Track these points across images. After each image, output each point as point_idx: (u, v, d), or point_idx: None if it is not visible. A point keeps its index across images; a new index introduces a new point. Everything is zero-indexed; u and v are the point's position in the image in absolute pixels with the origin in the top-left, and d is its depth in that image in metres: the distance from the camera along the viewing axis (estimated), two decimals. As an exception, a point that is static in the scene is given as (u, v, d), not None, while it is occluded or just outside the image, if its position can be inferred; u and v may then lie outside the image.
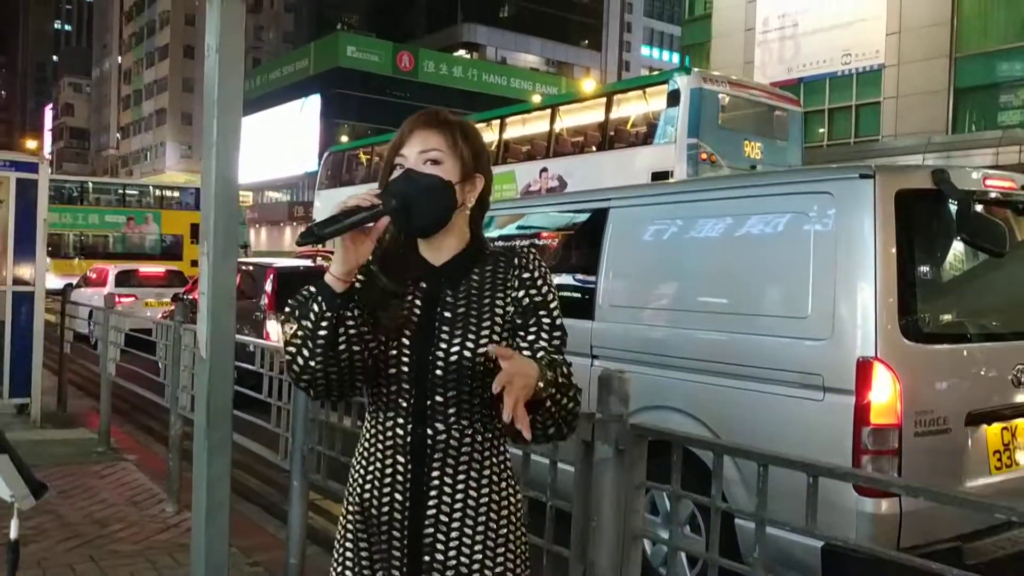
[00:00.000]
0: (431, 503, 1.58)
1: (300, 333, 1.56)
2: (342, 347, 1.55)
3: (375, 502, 1.62)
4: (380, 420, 1.63)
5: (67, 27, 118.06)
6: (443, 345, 1.58)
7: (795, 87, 22.22)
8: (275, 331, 9.10)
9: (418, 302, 1.64)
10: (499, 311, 1.62)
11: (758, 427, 3.69)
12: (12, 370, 7.25)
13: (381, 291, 1.63)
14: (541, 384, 1.47)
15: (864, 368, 3.37)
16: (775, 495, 2.09)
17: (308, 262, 14.01)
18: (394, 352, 1.61)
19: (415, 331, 1.61)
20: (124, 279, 15.38)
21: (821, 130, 23.59)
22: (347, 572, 1.67)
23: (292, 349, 1.58)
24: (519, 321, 1.63)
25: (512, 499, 1.66)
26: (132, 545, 4.47)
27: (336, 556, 1.70)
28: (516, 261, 1.67)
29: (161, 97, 71.05)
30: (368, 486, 1.64)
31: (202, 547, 3.40)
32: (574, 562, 2.26)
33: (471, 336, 1.59)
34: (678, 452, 2.02)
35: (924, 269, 3.71)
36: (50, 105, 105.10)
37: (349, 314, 1.55)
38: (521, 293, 1.64)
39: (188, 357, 5.15)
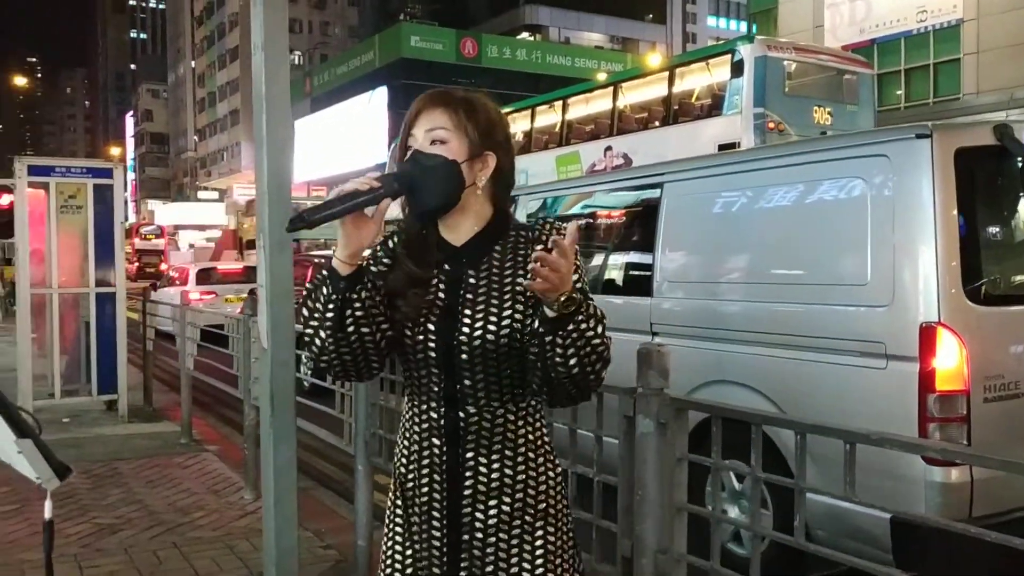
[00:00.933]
0: (467, 482, 1.61)
1: (315, 316, 1.60)
2: (350, 328, 1.58)
3: (415, 483, 1.66)
4: (416, 404, 1.66)
5: (142, 35, 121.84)
6: (465, 328, 1.58)
7: (868, 49, 21.50)
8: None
9: (442, 285, 1.64)
10: (520, 289, 1.59)
11: (820, 398, 3.62)
12: (100, 368, 7.57)
13: (407, 275, 1.64)
14: (569, 296, 1.44)
15: (927, 334, 3.28)
16: (837, 466, 2.03)
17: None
18: (420, 337, 1.61)
19: (439, 315, 1.61)
20: (204, 277, 15.87)
21: (898, 92, 22.78)
22: (395, 549, 1.71)
23: (309, 331, 1.62)
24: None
25: (550, 474, 1.66)
26: (212, 532, 4.64)
27: (386, 535, 1.74)
28: (534, 235, 1.64)
29: (234, 98, 72.71)
30: (409, 468, 1.67)
31: (272, 533, 3.51)
32: (622, 537, 2.27)
33: (492, 317, 1.58)
34: (717, 424, 2.00)
35: (989, 229, 3.58)
36: (130, 112, 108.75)
37: (355, 296, 1.57)
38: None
39: (257, 348, 5.30)
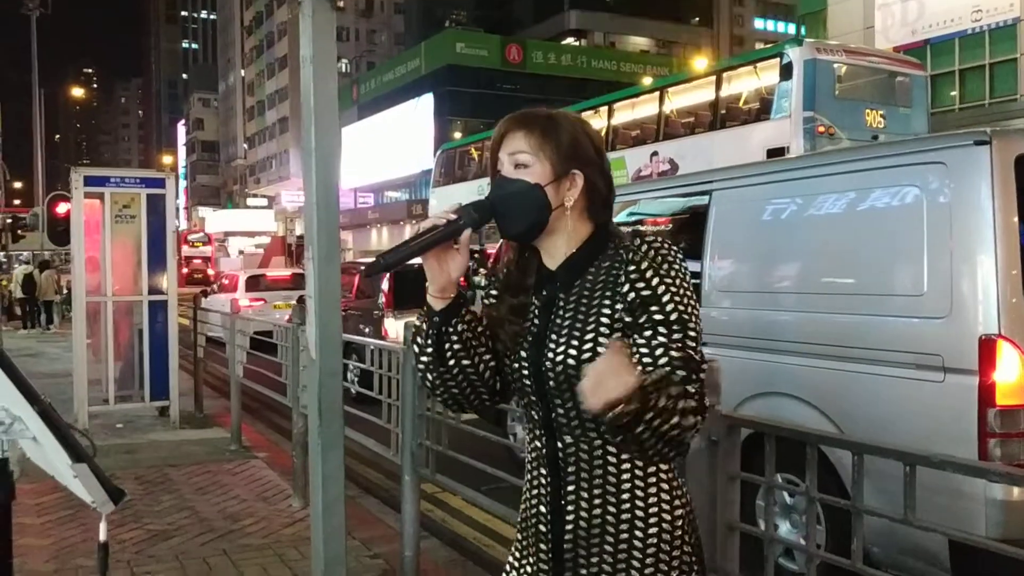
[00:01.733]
0: (569, 516, 1.55)
1: (422, 352, 1.61)
2: (451, 363, 1.59)
3: (527, 513, 1.63)
4: (528, 432, 1.65)
5: (194, 45, 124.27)
6: (550, 353, 1.53)
7: (921, 50, 21.08)
8: (393, 329, 9.33)
9: (536, 311, 1.61)
10: (607, 312, 1.51)
11: (874, 411, 3.54)
12: (152, 375, 7.71)
13: (507, 306, 1.63)
14: (626, 404, 1.30)
15: (987, 346, 3.19)
16: (898, 482, 1.97)
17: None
18: (516, 365, 1.60)
19: (531, 341, 1.58)
20: (253, 284, 16.10)
21: (952, 93, 22.29)
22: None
23: (420, 367, 1.63)
24: (630, 319, 1.49)
25: (665, 515, 1.53)
26: (261, 539, 4.68)
27: (507, 566, 1.72)
28: (628, 257, 1.52)
29: (283, 106, 73.76)
30: (525, 497, 1.66)
31: (320, 541, 3.53)
32: (672, 555, 2.22)
33: (575, 341, 1.51)
34: (771, 443, 1.96)
35: (1052, 238, 3.46)
36: (182, 121, 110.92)
37: (451, 329, 1.57)
38: (627, 288, 1.50)
39: (307, 357, 5.34)
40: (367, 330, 9.45)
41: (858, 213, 3.82)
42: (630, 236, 1.56)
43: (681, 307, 1.46)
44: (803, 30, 27.15)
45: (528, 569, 1.62)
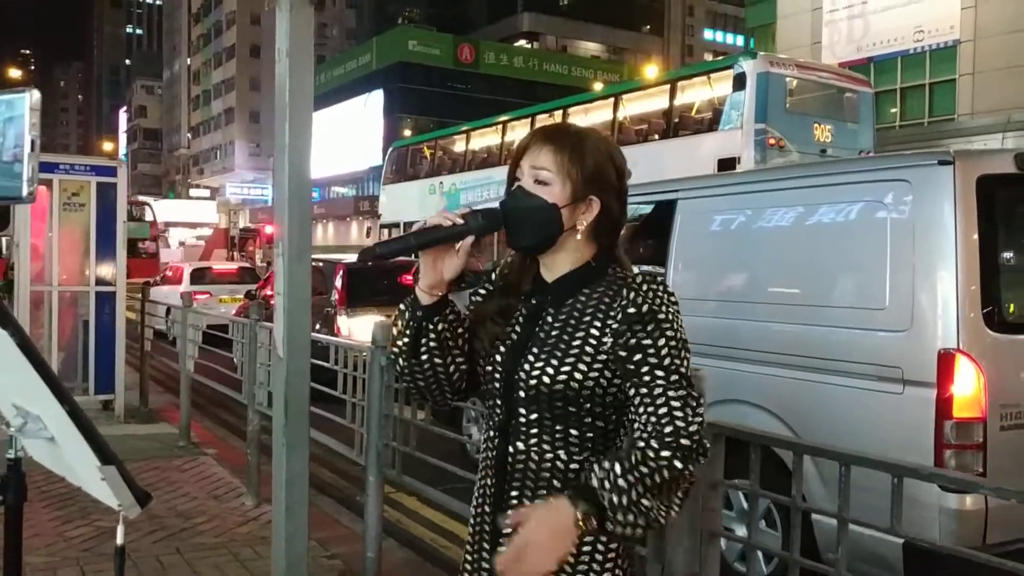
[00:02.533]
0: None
1: (399, 340, 1.64)
2: (423, 357, 1.62)
3: (477, 511, 1.66)
4: (485, 433, 1.67)
5: (139, 31, 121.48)
6: (527, 366, 1.55)
7: (865, 67, 21.64)
8: (346, 327, 9.25)
9: (521, 319, 1.62)
10: (593, 340, 1.52)
11: (834, 421, 3.62)
12: (97, 367, 7.51)
13: (495, 305, 1.64)
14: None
15: (946, 360, 3.29)
16: (857, 491, 2.03)
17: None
18: (489, 368, 1.63)
19: (509, 347, 1.60)
20: (198, 276, 15.81)
21: (893, 110, 22.91)
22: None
23: (394, 352, 1.67)
24: (626, 364, 1.49)
25: (599, 540, 1.54)
26: (214, 538, 4.60)
27: (461, 564, 1.73)
28: (625, 292, 1.52)
29: (229, 97, 72.62)
30: (474, 496, 1.69)
31: (282, 542, 3.48)
32: (651, 561, 2.26)
33: (554, 361, 1.53)
34: (756, 451, 1.99)
35: (1009, 256, 3.59)
36: (124, 107, 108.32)
37: (431, 326, 1.59)
38: (623, 327, 1.50)
39: (264, 354, 5.27)
40: (318, 327, 9.35)
41: (822, 227, 3.90)
42: (633, 272, 1.58)
43: (675, 360, 1.47)
44: (752, 42, 27.65)
45: (479, 565, 1.65)
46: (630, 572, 1.59)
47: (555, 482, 1.54)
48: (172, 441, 6.84)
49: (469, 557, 1.68)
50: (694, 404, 1.45)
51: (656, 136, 14.92)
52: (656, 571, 2.23)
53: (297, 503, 3.52)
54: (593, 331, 1.52)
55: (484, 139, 20.39)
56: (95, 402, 7.70)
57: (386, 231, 22.13)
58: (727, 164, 12.33)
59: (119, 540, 1.41)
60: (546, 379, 1.52)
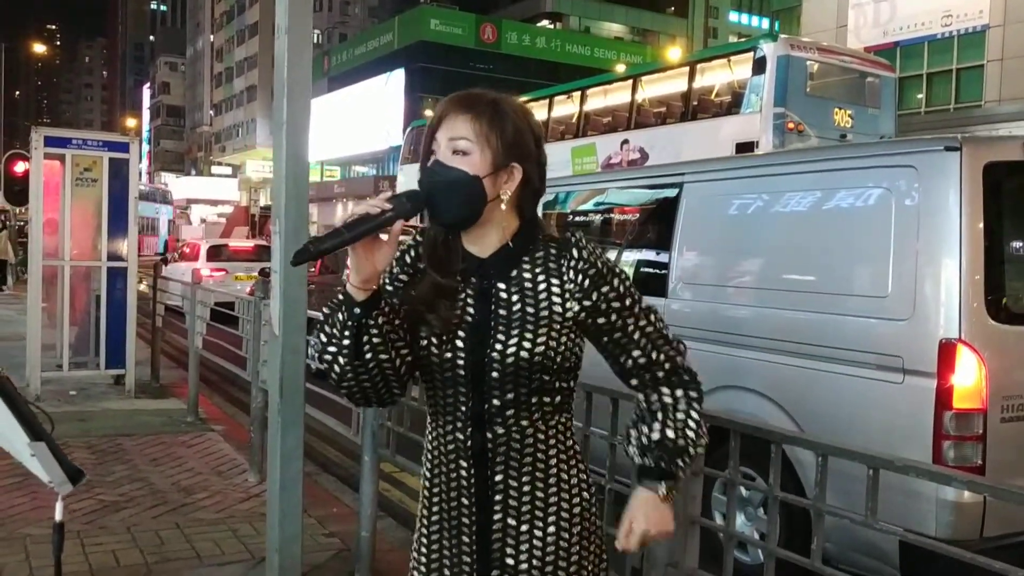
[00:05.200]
0: (497, 507, 1.54)
1: (332, 342, 1.52)
2: (368, 356, 1.51)
3: (444, 507, 1.59)
4: (440, 425, 1.58)
5: (163, 7, 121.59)
6: (499, 346, 1.51)
7: (891, 51, 21.30)
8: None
9: (471, 300, 1.55)
10: (557, 307, 1.52)
11: (835, 409, 3.58)
12: (108, 342, 7.56)
13: (432, 287, 1.56)
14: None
15: (947, 350, 3.24)
16: (852, 480, 2.00)
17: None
18: (448, 355, 1.54)
19: (468, 331, 1.53)
20: (215, 254, 15.88)
21: (919, 96, 22.57)
22: (420, 571, 1.64)
23: (328, 358, 1.53)
24: (602, 319, 1.56)
25: (584, 494, 1.59)
26: (215, 513, 4.63)
27: (412, 556, 1.67)
28: (574, 253, 1.55)
29: (251, 74, 72.65)
30: (434, 492, 1.61)
31: (276, 519, 3.50)
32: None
33: (528, 335, 1.50)
34: (736, 439, 1.96)
35: (1014, 245, 3.52)
36: (147, 84, 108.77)
37: (372, 322, 1.49)
38: (590, 289, 1.54)
39: (268, 332, 5.27)
40: (330, 306, 9.37)
41: (826, 212, 3.85)
42: (562, 232, 1.61)
43: (625, 280, 1.59)
44: (777, 25, 27.31)
45: (445, 562, 1.59)
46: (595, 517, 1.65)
47: (539, 455, 1.55)
48: (180, 416, 6.89)
49: (426, 552, 1.61)
50: (667, 331, 1.63)
51: (675, 119, 14.77)
52: (636, 559, 2.21)
53: (292, 480, 3.53)
54: (555, 298, 1.54)
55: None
56: (106, 376, 7.78)
57: (406, 239, 22.12)
58: (745, 148, 12.19)
59: (57, 516, 1.39)
60: (524, 355, 1.50)
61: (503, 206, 1.55)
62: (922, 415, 3.26)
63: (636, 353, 1.58)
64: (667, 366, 1.60)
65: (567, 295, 1.53)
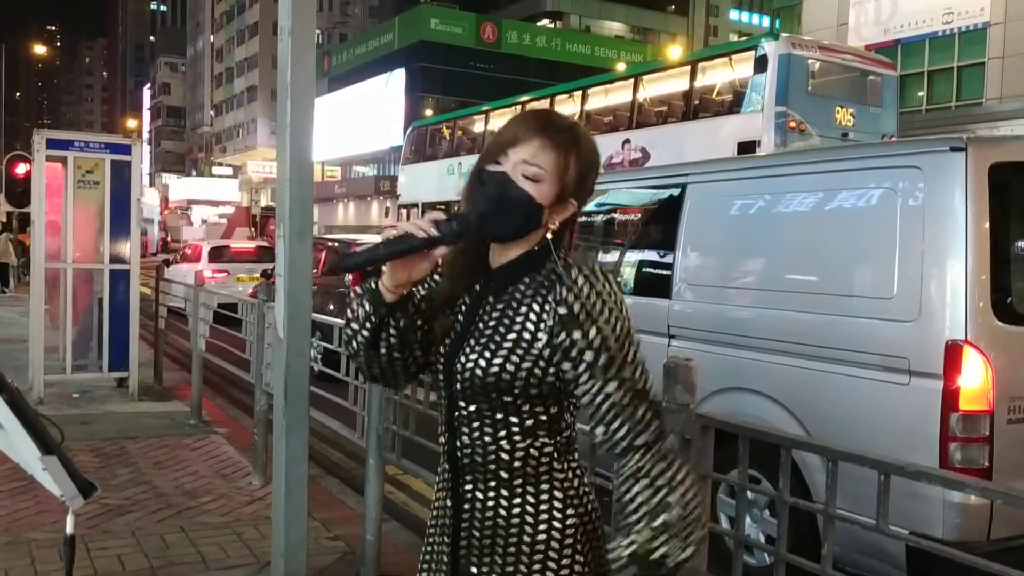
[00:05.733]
0: (465, 513, 1.56)
1: (352, 326, 1.58)
2: (382, 350, 1.57)
3: (438, 508, 1.64)
4: (439, 426, 1.64)
5: (163, 8, 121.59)
6: (463, 357, 1.53)
7: (892, 49, 21.28)
8: (359, 307, 9.23)
9: (464, 308, 1.59)
10: (528, 335, 1.49)
11: (840, 411, 3.57)
12: (111, 344, 7.56)
13: (445, 295, 1.60)
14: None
15: (953, 351, 3.23)
16: (857, 482, 1.99)
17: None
18: (433, 359, 1.60)
19: (452, 339, 1.57)
20: (216, 255, 15.87)
21: (920, 94, 22.54)
22: (420, 568, 1.69)
23: (349, 332, 1.60)
24: (564, 365, 1.46)
25: (556, 523, 1.52)
26: (219, 517, 4.63)
27: (422, 556, 1.71)
28: (560, 290, 1.47)
29: (252, 74, 72.64)
30: (436, 492, 1.66)
31: (281, 522, 3.49)
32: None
33: (488, 351, 1.50)
34: (745, 444, 1.96)
35: (1021, 246, 3.51)
36: (148, 85, 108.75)
37: (392, 322, 1.54)
38: (558, 328, 1.46)
39: (272, 334, 5.27)
40: (332, 307, 9.37)
41: (831, 213, 3.84)
42: (566, 267, 1.50)
43: (612, 351, 1.44)
44: (777, 23, 27.28)
45: (433, 557, 1.63)
46: (593, 554, 1.56)
47: (502, 472, 1.52)
48: (183, 419, 6.89)
49: (428, 545, 1.66)
50: (644, 398, 1.45)
51: (676, 118, 14.75)
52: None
53: (296, 484, 3.52)
54: (529, 324, 1.49)
55: (503, 120, 20.16)
56: (109, 379, 7.77)
57: (404, 211, 22.10)
58: (747, 147, 12.18)
59: (68, 529, 1.39)
60: (479, 371, 1.49)
61: (548, 234, 1.54)
62: (928, 417, 3.25)
63: (599, 430, 1.46)
64: (623, 444, 1.45)
65: (542, 325, 1.48)
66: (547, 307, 1.48)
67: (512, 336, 1.49)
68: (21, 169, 16.58)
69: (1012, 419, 3.24)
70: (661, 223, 4.78)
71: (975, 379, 3.20)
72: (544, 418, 1.52)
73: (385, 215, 37.43)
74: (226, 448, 6.09)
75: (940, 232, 3.34)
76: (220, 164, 77.06)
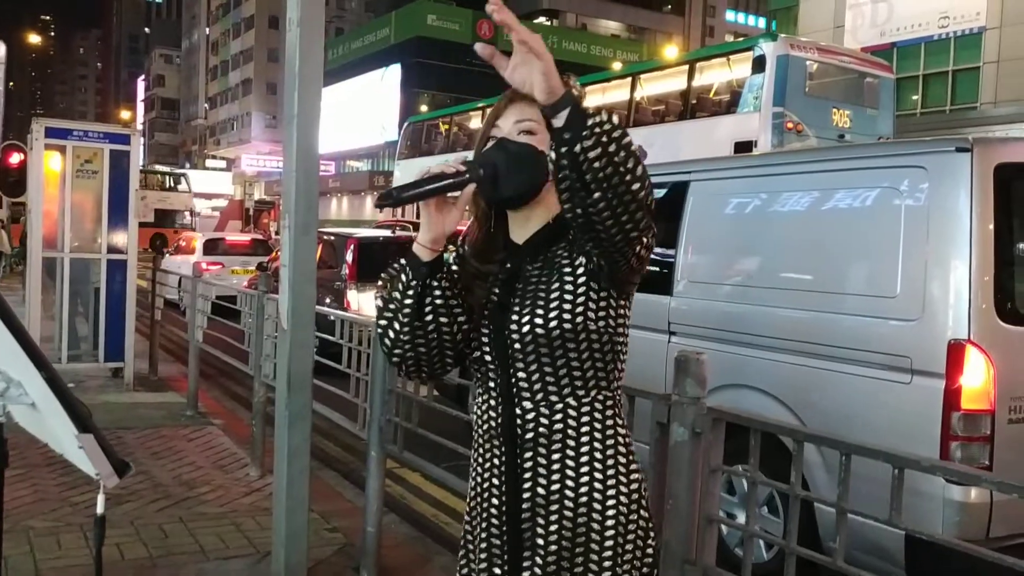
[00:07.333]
0: (526, 487, 1.53)
1: (391, 306, 1.59)
2: (429, 317, 1.56)
3: (479, 488, 1.61)
4: (479, 404, 1.63)
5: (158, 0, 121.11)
6: (515, 317, 1.55)
7: (888, 52, 21.35)
8: (356, 301, 9.25)
9: (500, 281, 1.63)
10: (569, 284, 1.54)
11: (841, 409, 3.59)
12: (107, 335, 7.53)
13: (472, 275, 1.64)
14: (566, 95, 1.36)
15: (955, 351, 3.24)
16: (856, 479, 1.98)
17: (388, 232, 14.19)
18: (477, 331, 1.61)
19: (493, 308, 1.60)
20: (211, 247, 15.83)
21: (915, 97, 22.62)
22: (466, 561, 1.67)
23: (383, 323, 1.60)
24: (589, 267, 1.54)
25: (622, 487, 1.54)
26: (218, 508, 4.62)
27: (460, 550, 1.70)
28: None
29: (247, 67, 72.42)
30: (475, 473, 1.64)
31: (282, 514, 3.50)
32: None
33: (540, 306, 1.53)
34: (756, 438, 1.97)
35: (1022, 247, 3.53)
36: (142, 76, 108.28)
37: (436, 283, 1.56)
38: (582, 259, 1.56)
39: (271, 326, 5.26)
40: (328, 301, 9.36)
41: (835, 212, 3.85)
42: None
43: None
44: (774, 25, 27.34)
45: (482, 545, 1.60)
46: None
47: (569, 438, 1.53)
48: (180, 410, 6.87)
49: (470, 532, 1.65)
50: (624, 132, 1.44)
51: (673, 117, 14.78)
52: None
53: (298, 475, 3.53)
54: (567, 276, 1.55)
55: (499, 116, 20.24)
56: (105, 370, 7.75)
57: (400, 207, 22.07)
58: (744, 147, 12.21)
59: (99, 509, 1.39)
60: (538, 324, 1.52)
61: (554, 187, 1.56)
62: (930, 415, 3.26)
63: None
64: None
65: (579, 271, 1.55)
66: (576, 260, 1.56)
67: (555, 289, 1.54)
68: (15, 158, 16.49)
69: (1013, 419, 3.26)
70: (663, 220, 4.78)
71: (977, 378, 3.22)
72: (602, 368, 1.56)
73: (379, 210, 37.38)
74: (223, 439, 6.08)
75: (944, 232, 3.35)
76: (214, 157, 76.81)
